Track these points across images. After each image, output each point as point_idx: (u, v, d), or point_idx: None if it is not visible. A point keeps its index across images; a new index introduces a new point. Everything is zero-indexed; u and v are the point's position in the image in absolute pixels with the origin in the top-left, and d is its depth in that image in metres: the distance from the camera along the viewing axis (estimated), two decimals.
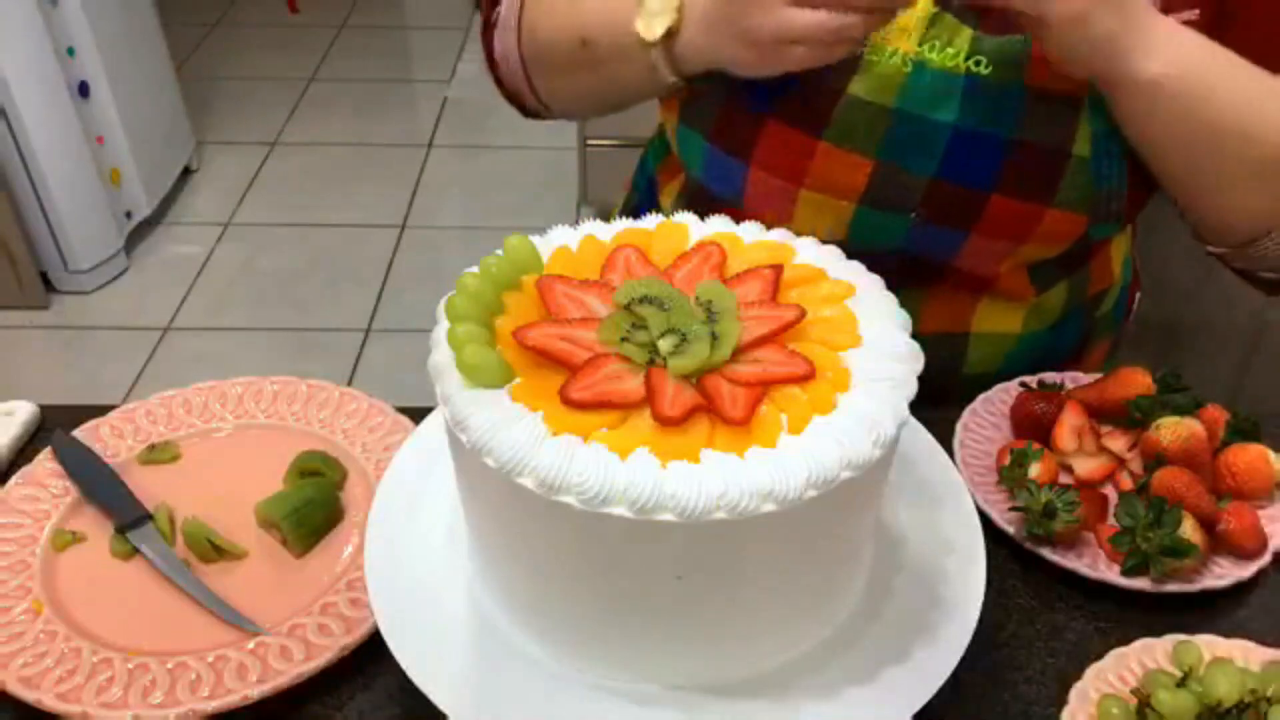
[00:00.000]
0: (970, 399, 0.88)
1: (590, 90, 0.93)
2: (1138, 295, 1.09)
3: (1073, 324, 0.98)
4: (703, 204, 0.82)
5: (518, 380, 0.56)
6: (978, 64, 0.82)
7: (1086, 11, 0.72)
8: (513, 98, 1.01)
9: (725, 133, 0.88)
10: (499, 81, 1.00)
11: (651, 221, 0.69)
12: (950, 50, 0.82)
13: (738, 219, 0.69)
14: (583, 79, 0.92)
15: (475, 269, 0.62)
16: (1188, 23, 0.81)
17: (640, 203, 1.10)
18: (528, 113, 1.02)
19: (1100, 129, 0.82)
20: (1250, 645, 0.69)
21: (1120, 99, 0.79)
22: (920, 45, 0.82)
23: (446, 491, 0.67)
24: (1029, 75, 0.82)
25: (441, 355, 0.58)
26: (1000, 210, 0.83)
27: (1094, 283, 0.98)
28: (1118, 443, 0.84)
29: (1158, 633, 0.71)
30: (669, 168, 1.02)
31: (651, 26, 0.82)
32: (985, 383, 0.90)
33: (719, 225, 0.69)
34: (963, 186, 0.83)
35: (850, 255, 0.67)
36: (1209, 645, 0.69)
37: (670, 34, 0.82)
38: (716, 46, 0.79)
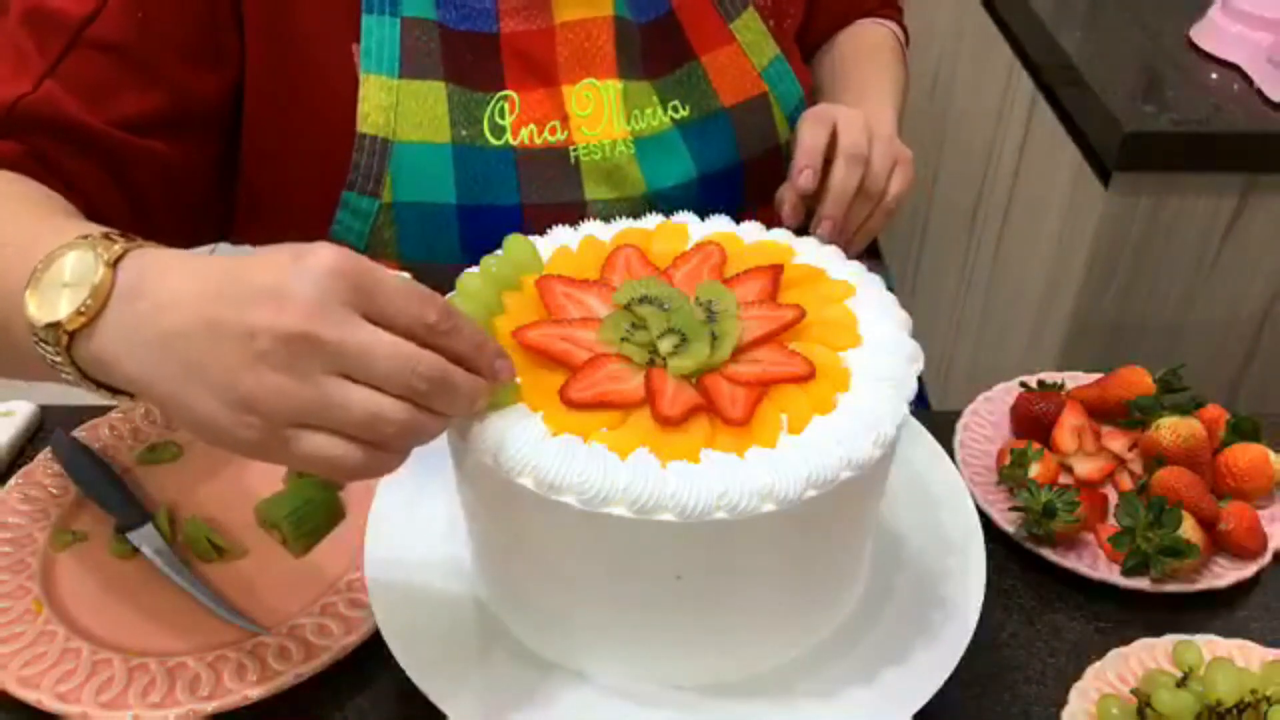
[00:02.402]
0: None
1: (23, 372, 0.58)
2: None
3: None
4: None
5: (518, 381, 0.56)
6: (675, 109, 0.83)
7: None
8: None
9: None
10: None
11: (651, 221, 0.69)
12: (649, 110, 0.83)
13: None
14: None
15: (475, 269, 0.62)
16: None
17: None
18: None
19: (790, 108, 0.87)
20: (1250, 645, 0.69)
21: None
22: (628, 123, 0.82)
23: (446, 491, 0.67)
24: (723, 97, 0.85)
25: None
26: (760, 216, 0.84)
27: None
28: (1118, 443, 0.84)
29: (1158, 633, 0.71)
30: None
31: (51, 302, 0.50)
32: None
33: (719, 225, 0.69)
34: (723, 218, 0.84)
35: None
36: (1209, 645, 0.69)
37: (84, 321, 0.49)
38: (169, 379, 0.48)
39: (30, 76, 0.67)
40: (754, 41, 0.86)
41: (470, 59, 0.79)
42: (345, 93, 0.76)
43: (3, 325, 0.53)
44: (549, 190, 0.79)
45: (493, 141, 0.79)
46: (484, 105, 0.79)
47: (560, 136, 0.80)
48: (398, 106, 0.76)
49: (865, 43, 1.04)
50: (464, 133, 0.78)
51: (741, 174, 0.86)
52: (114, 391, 0.52)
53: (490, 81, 0.79)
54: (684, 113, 0.83)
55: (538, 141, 0.80)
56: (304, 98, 0.68)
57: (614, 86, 0.81)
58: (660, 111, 0.82)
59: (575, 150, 0.80)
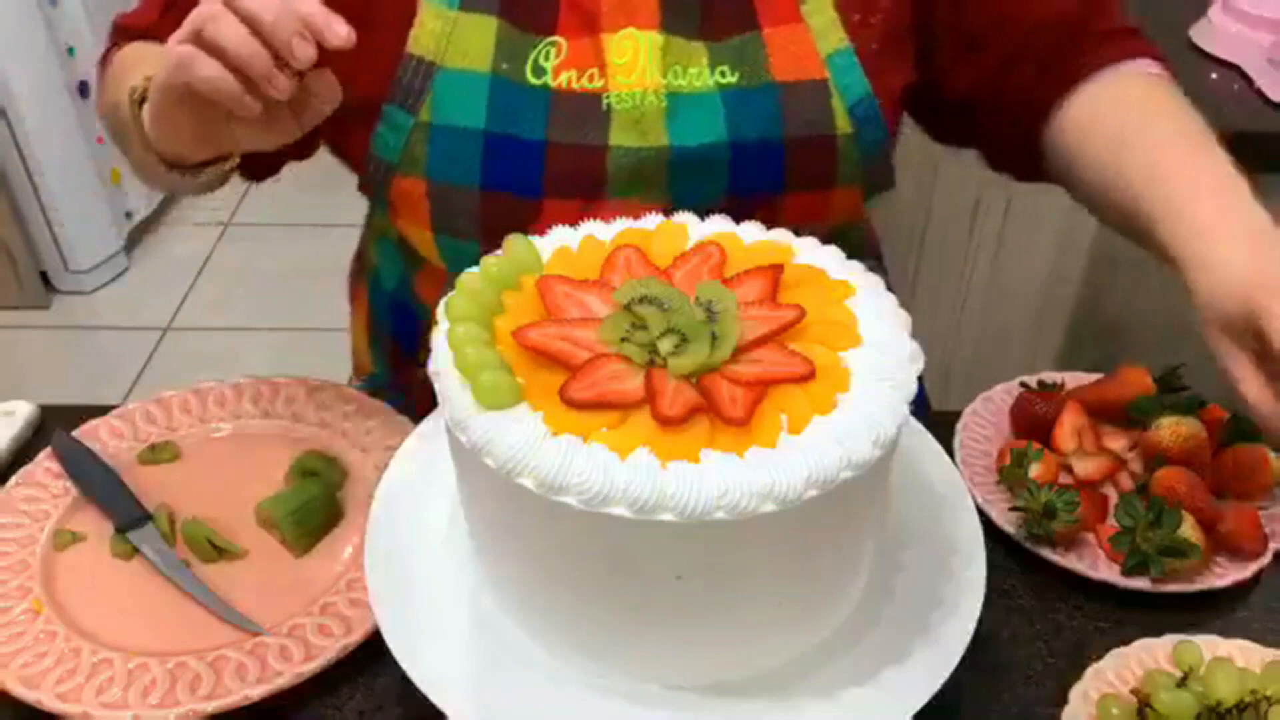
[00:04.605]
0: None
1: (141, 164, 0.83)
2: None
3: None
4: None
5: (519, 381, 0.56)
6: (724, 74, 0.82)
7: None
8: None
9: (499, 228, 0.78)
10: None
11: (651, 221, 0.69)
12: (694, 70, 0.82)
13: None
14: (131, 152, 0.83)
15: (475, 269, 0.62)
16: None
17: (393, 329, 1.03)
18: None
19: (853, 101, 0.82)
20: (1250, 645, 0.69)
21: None
22: (665, 76, 0.81)
23: (446, 491, 0.67)
24: (776, 70, 0.82)
25: (441, 355, 0.58)
26: (794, 204, 0.83)
27: (869, 244, 1.01)
28: (1118, 443, 0.84)
29: (1158, 633, 0.71)
30: (429, 279, 0.92)
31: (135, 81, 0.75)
32: None
33: (719, 225, 0.69)
34: (756, 194, 0.83)
35: None
36: (1209, 645, 0.69)
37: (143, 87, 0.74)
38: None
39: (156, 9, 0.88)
40: (823, 27, 0.83)
41: (527, 1, 0.82)
42: (402, 14, 0.80)
43: (124, 112, 0.77)
44: (575, 131, 0.80)
45: (531, 80, 0.81)
46: (531, 47, 0.81)
47: (597, 84, 0.81)
48: (450, 35, 0.80)
49: (1180, 125, 0.79)
50: (505, 66, 0.80)
51: (782, 153, 0.83)
52: (170, 165, 0.76)
53: (543, 25, 0.81)
54: (731, 79, 0.82)
55: (575, 86, 0.81)
56: (359, 13, 0.71)
57: (654, 38, 0.81)
58: (706, 73, 0.81)
59: (608, 97, 0.81)
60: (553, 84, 0.80)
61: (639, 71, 0.80)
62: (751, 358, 0.58)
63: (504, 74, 0.80)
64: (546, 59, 0.81)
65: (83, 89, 2.44)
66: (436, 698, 0.59)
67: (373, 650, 0.68)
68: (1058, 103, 0.85)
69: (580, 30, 0.81)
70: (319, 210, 2.86)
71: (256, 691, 0.67)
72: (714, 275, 0.63)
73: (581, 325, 0.59)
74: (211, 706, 0.66)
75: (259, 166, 0.87)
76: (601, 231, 0.68)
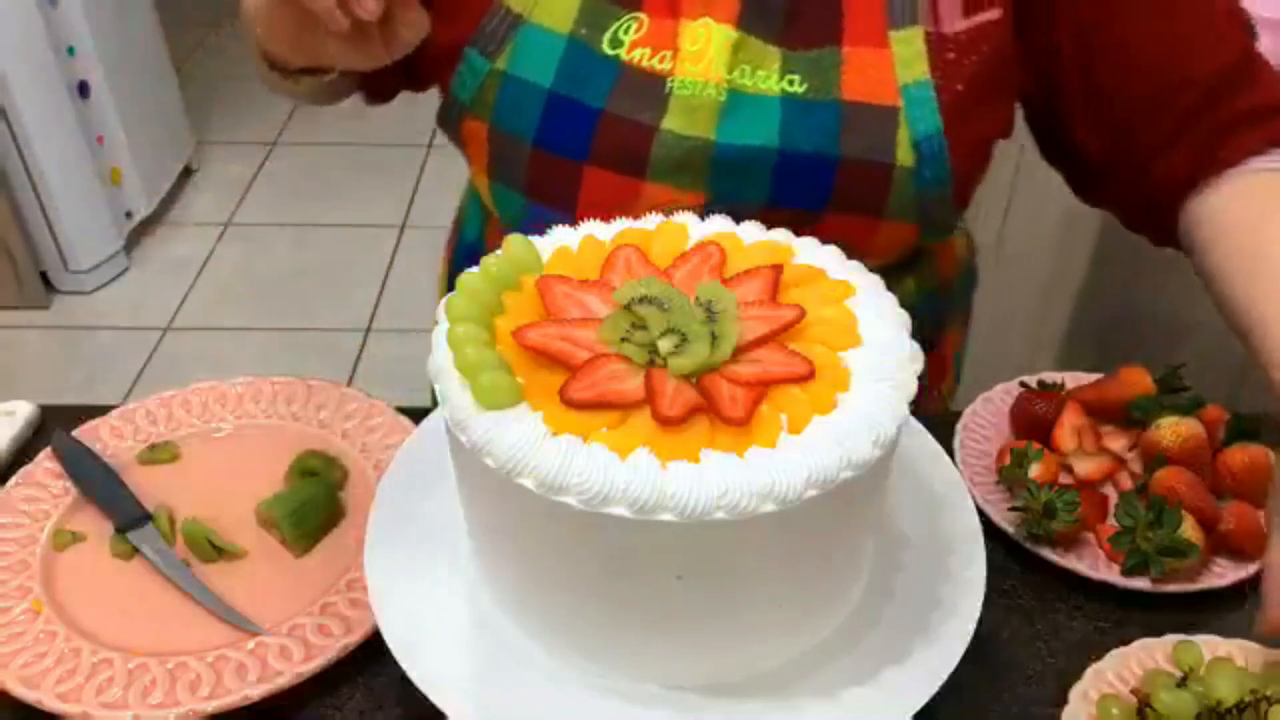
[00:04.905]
0: None
1: (255, 61, 0.90)
2: (976, 256, 1.08)
3: (925, 310, 0.96)
4: None
5: (519, 381, 0.56)
6: (791, 83, 0.81)
7: None
8: None
9: (542, 184, 0.85)
10: None
11: (651, 221, 0.69)
12: (762, 72, 0.81)
13: None
14: (249, 48, 0.90)
15: (475, 269, 0.62)
16: (989, 22, 0.81)
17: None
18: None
19: (920, 137, 0.81)
20: (1250, 645, 0.69)
21: None
22: (730, 73, 0.81)
23: (446, 492, 0.67)
24: (845, 89, 0.81)
25: (441, 355, 0.58)
26: (833, 228, 0.80)
27: (941, 270, 0.98)
28: (1118, 443, 0.84)
29: (1158, 633, 0.71)
30: (491, 229, 0.96)
31: None
32: None
33: (719, 225, 0.69)
34: (796, 210, 0.82)
35: None
36: (1209, 645, 0.69)
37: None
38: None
39: None
40: (908, 56, 0.81)
41: None
42: None
43: (248, 4, 0.82)
44: (632, 107, 0.82)
45: (606, 51, 0.82)
46: (614, 19, 0.82)
47: (665, 66, 0.82)
48: None
49: None
50: (584, 32, 0.82)
51: (833, 171, 0.82)
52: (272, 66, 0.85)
53: (630, 0, 0.82)
54: (798, 89, 0.81)
55: (644, 64, 0.82)
56: None
57: (727, 33, 0.81)
58: (775, 79, 0.81)
59: (672, 81, 0.81)
60: (625, 58, 0.82)
61: (706, 62, 0.81)
62: (751, 358, 0.58)
63: (581, 39, 0.82)
64: (626, 33, 0.82)
65: (83, 89, 2.44)
66: (436, 698, 0.59)
67: (373, 650, 0.68)
68: (1198, 186, 0.81)
69: (663, 11, 0.82)
70: (319, 210, 2.87)
71: (256, 691, 0.67)
72: (714, 275, 0.63)
73: (581, 325, 0.59)
74: (211, 706, 0.66)
75: (375, 90, 0.95)
76: (601, 231, 0.68)
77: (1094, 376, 0.89)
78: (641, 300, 0.58)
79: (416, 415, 0.85)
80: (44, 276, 2.51)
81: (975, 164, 0.87)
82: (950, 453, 0.77)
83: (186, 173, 2.95)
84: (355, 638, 0.70)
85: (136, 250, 2.69)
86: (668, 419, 0.54)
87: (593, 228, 0.68)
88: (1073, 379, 0.90)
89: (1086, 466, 0.82)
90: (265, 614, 0.72)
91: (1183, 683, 0.65)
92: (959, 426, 0.86)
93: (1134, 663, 0.69)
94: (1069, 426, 0.84)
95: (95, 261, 2.55)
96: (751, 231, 0.69)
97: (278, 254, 2.72)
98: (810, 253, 0.67)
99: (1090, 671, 0.68)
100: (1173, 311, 1.35)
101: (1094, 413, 0.85)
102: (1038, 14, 0.82)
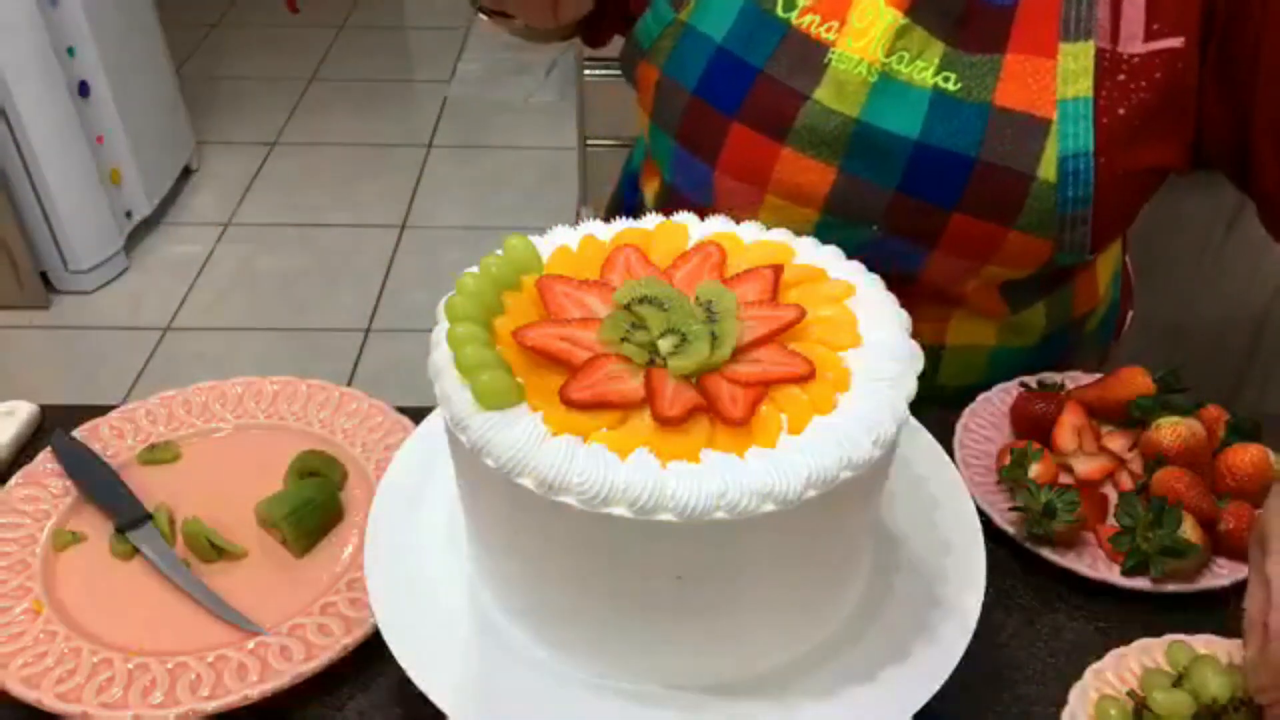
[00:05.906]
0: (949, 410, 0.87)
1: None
2: (1129, 314, 1.07)
3: (1056, 343, 0.97)
4: (674, 206, 0.79)
5: (519, 381, 0.56)
6: (946, 79, 0.81)
7: None
8: None
9: (692, 134, 0.88)
10: None
11: (651, 221, 0.69)
12: (920, 63, 0.82)
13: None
14: None
15: (475, 269, 0.62)
16: (1169, 50, 0.79)
17: (622, 201, 1.10)
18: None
19: (1069, 154, 0.80)
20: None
21: None
22: (888, 56, 0.82)
23: (446, 491, 0.67)
24: (999, 95, 0.80)
25: (441, 355, 0.58)
26: (961, 229, 0.82)
27: (1079, 303, 0.97)
28: (1118, 443, 0.84)
29: (1158, 633, 0.71)
30: (649, 168, 1.01)
31: None
32: (962, 396, 0.89)
33: (719, 225, 0.69)
34: (924, 202, 0.82)
35: None
36: (1209, 645, 0.69)
37: None
38: None
39: None
40: (1072, 71, 0.80)
41: None
42: None
43: None
44: (788, 72, 0.83)
45: (779, 13, 0.84)
46: None
47: (830, 36, 0.83)
48: None
49: None
50: None
51: (969, 172, 0.81)
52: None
53: None
54: (952, 86, 0.81)
55: (812, 31, 0.83)
56: None
57: (895, 16, 0.81)
58: (931, 72, 0.82)
59: (833, 53, 0.83)
60: (795, 21, 0.84)
61: (867, 40, 0.82)
62: (751, 358, 0.58)
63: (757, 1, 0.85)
64: None
65: (83, 89, 2.44)
66: (436, 698, 0.59)
67: (373, 650, 0.68)
68: None
69: None
70: (319, 210, 2.87)
71: (256, 691, 0.67)
72: (714, 275, 0.63)
73: (581, 325, 0.59)
74: (211, 706, 0.66)
75: (592, 36, 1.01)
76: (601, 231, 0.68)
77: (1094, 376, 0.89)
78: (641, 300, 0.58)
79: (416, 415, 0.85)
80: (44, 276, 2.51)
81: (1126, 194, 0.85)
82: (950, 453, 0.77)
83: (186, 173, 2.95)
84: (355, 638, 0.70)
85: (136, 250, 2.69)
86: (668, 419, 0.54)
87: (592, 227, 0.68)
88: (1072, 379, 0.90)
89: (1086, 466, 0.82)
90: (265, 614, 0.72)
91: (1178, 682, 0.65)
92: (959, 426, 0.86)
93: (1133, 663, 0.69)
94: (1069, 426, 0.84)
95: (95, 261, 2.55)
96: (751, 231, 0.69)
97: (277, 254, 2.72)
98: (810, 253, 0.67)
99: (1090, 671, 0.68)
100: (1173, 311, 1.35)
101: (1094, 413, 0.85)
102: (1235, 49, 0.79)
